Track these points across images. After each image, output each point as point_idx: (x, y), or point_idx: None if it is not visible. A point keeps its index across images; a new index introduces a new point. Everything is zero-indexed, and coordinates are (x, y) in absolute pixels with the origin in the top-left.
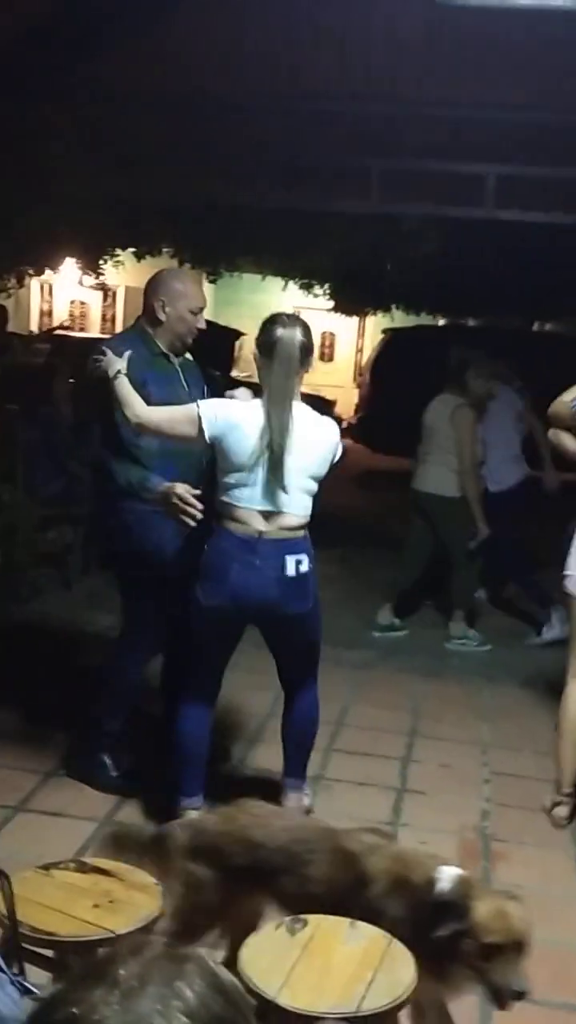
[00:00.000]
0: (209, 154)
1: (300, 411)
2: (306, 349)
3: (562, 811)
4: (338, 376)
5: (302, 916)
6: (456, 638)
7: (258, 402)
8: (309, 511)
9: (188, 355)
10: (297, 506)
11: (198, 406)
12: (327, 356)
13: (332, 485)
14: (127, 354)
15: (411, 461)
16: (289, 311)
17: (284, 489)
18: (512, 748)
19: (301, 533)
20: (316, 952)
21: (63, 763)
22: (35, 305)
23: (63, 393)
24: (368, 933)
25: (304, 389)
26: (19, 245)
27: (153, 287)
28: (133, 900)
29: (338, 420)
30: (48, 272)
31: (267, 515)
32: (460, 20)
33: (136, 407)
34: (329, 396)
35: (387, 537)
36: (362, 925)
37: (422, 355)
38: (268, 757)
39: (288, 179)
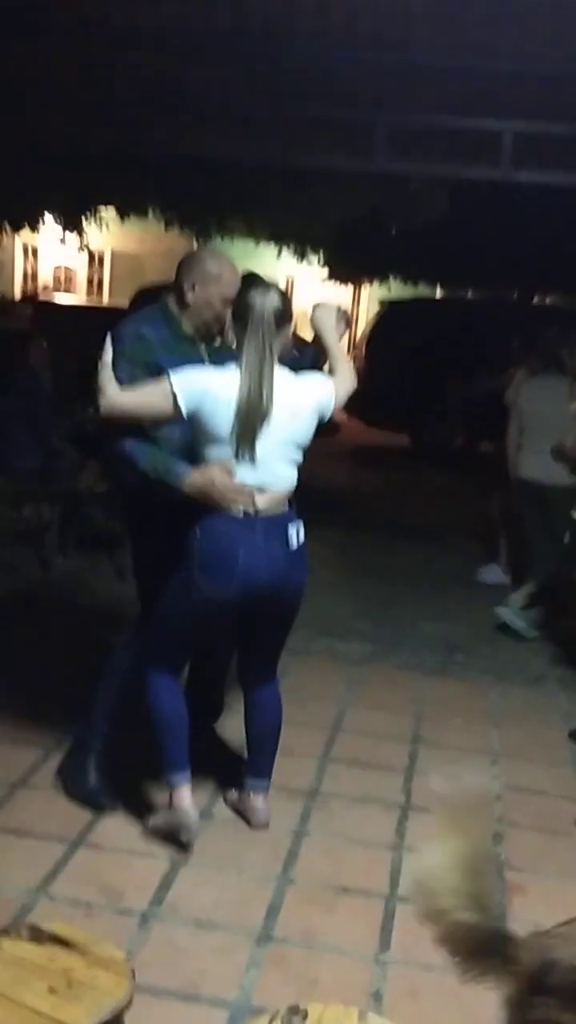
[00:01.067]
0: (196, 102)
1: (280, 377)
2: (281, 315)
3: None
4: None
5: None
6: (512, 608)
7: (236, 371)
8: (295, 481)
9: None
10: (284, 478)
11: (170, 379)
12: None
13: (325, 462)
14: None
15: (513, 449)
16: (274, 279)
17: (267, 462)
18: (524, 758)
19: (289, 504)
20: None
21: (31, 771)
22: (19, 269)
23: (41, 361)
24: None
25: None
26: None
27: (186, 266)
28: (96, 982)
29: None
30: (32, 233)
31: (258, 490)
32: None
33: (107, 392)
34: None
35: (383, 516)
36: (373, 1017)
37: (419, 328)
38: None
39: (283, 133)
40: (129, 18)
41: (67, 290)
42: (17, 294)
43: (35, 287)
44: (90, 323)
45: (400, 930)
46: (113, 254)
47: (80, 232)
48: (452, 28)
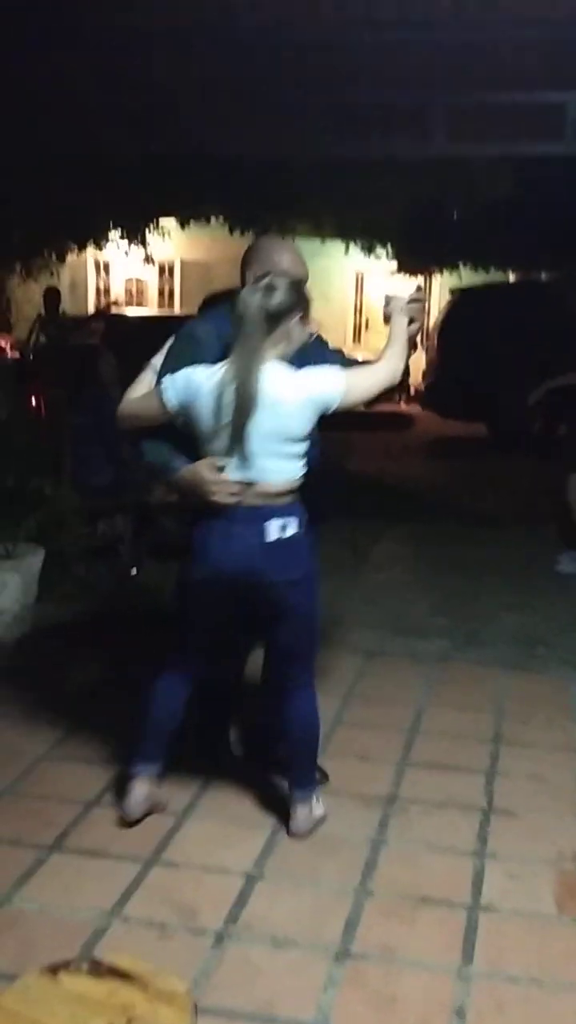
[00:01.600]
0: (246, 100)
1: (270, 372)
2: (268, 313)
3: None
4: None
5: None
6: None
7: (223, 367)
8: (294, 476)
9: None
10: (275, 472)
11: (159, 378)
12: None
13: (400, 456)
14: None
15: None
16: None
17: (254, 456)
18: None
19: (286, 499)
20: None
21: (105, 789)
22: (91, 284)
23: (110, 376)
24: None
25: (368, 355)
26: (52, 218)
27: (249, 258)
28: (157, 1018)
29: (406, 386)
30: (100, 249)
31: (243, 483)
32: None
33: (125, 397)
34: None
35: (461, 511)
36: None
37: (493, 315)
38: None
39: (337, 123)
40: (171, 22)
41: (139, 303)
42: (91, 310)
43: (108, 302)
44: (160, 333)
45: (484, 941)
46: (182, 263)
47: (144, 244)
48: (500, 3)
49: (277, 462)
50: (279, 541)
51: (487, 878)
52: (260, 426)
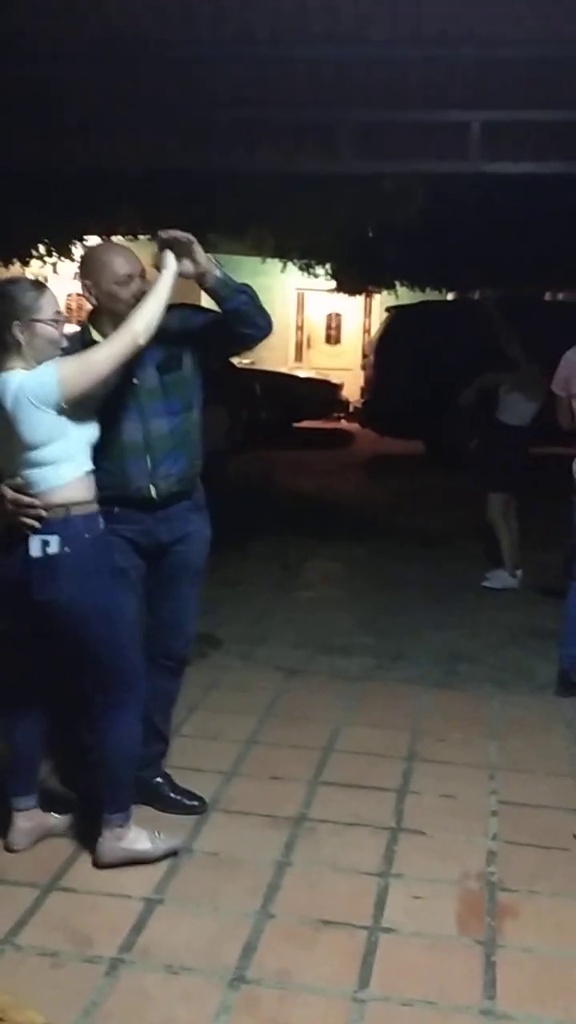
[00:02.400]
0: (152, 115)
1: (5, 384)
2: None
3: None
4: (345, 359)
5: None
6: None
7: None
8: (57, 482)
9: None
10: (33, 481)
11: None
12: (333, 338)
13: (337, 473)
14: None
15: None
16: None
17: (15, 468)
18: (523, 770)
19: (56, 515)
20: None
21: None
22: None
23: None
24: None
25: (310, 373)
26: None
27: (80, 272)
28: None
29: (344, 404)
30: (26, 265)
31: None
32: None
33: None
34: (336, 379)
35: (395, 528)
36: None
37: (428, 333)
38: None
39: (247, 139)
40: (81, 35)
41: (79, 319)
42: None
43: None
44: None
45: (382, 964)
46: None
47: (72, 259)
48: (410, 18)
49: (32, 472)
50: (40, 559)
51: (390, 899)
52: (7, 438)
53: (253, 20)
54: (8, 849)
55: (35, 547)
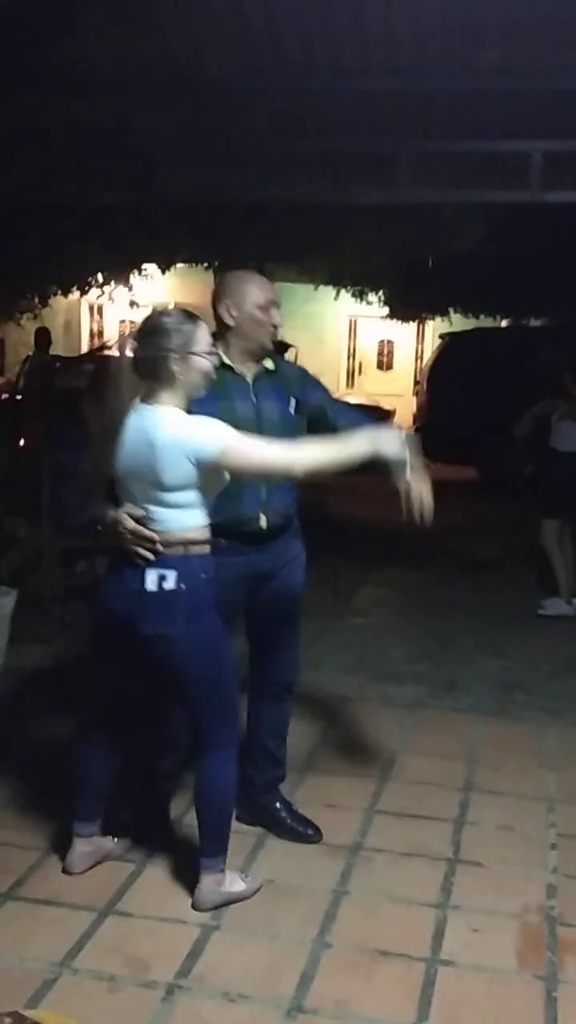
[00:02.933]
0: (212, 147)
1: (156, 419)
2: (137, 360)
3: None
4: (398, 385)
5: None
6: None
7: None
8: (186, 526)
9: (272, 363)
10: (160, 521)
11: None
12: (385, 364)
13: (389, 501)
14: None
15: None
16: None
17: (138, 502)
18: None
19: (175, 551)
20: None
21: (63, 837)
22: (85, 327)
23: (95, 415)
24: None
25: (361, 399)
26: (31, 263)
27: (217, 294)
28: None
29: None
30: (84, 294)
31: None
32: None
33: None
34: (388, 406)
35: (447, 555)
36: None
37: (482, 360)
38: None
39: (307, 169)
40: (143, 69)
41: None
42: (83, 351)
43: (100, 343)
44: None
45: (441, 996)
46: (176, 306)
47: (129, 288)
48: (469, 49)
49: (158, 510)
50: (155, 593)
51: (449, 931)
52: (134, 472)
53: (314, 52)
54: (66, 872)
55: (151, 581)
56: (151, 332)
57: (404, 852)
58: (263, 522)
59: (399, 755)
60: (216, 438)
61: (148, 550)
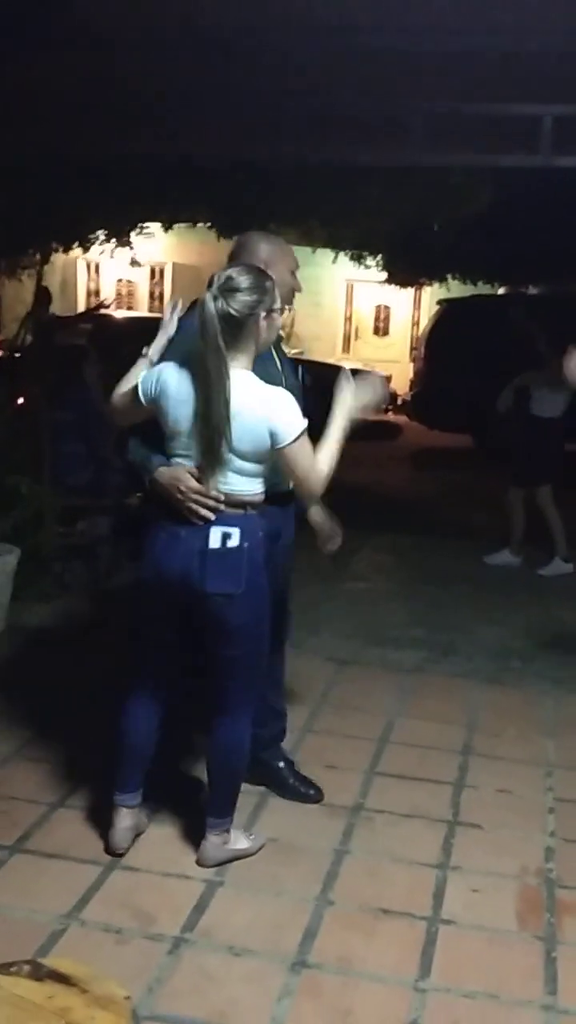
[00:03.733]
0: (220, 105)
1: (238, 383)
2: (228, 318)
3: None
4: (394, 351)
5: None
6: None
7: (189, 372)
8: (248, 491)
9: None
10: (228, 484)
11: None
12: (382, 330)
13: (385, 466)
14: (161, 338)
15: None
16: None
17: (212, 463)
18: None
19: (235, 510)
20: None
21: (70, 792)
22: (82, 285)
23: (94, 376)
24: None
25: (357, 364)
26: (33, 219)
27: (241, 252)
28: (94, 1023)
29: (392, 396)
30: (86, 251)
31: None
32: None
33: (114, 393)
34: (383, 372)
35: (444, 521)
36: None
37: (479, 327)
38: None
39: (314, 130)
40: (149, 25)
41: (129, 305)
42: (81, 310)
43: (97, 302)
44: (148, 335)
45: (442, 955)
46: (174, 266)
47: (130, 246)
48: (483, 9)
49: (232, 475)
50: (219, 551)
51: (449, 891)
52: (225, 438)
53: (323, 12)
54: (111, 852)
55: (215, 539)
56: (240, 289)
57: (404, 813)
58: (290, 483)
59: (398, 718)
60: (294, 425)
61: (211, 509)
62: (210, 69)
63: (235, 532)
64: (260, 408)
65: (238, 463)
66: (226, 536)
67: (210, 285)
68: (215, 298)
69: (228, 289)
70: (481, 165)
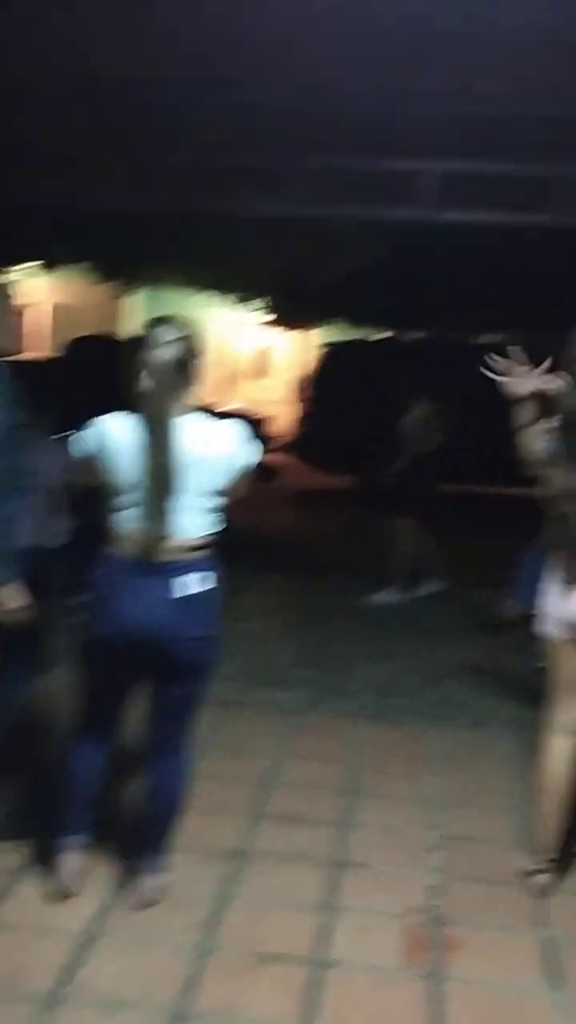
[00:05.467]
0: (101, 152)
1: (188, 425)
2: (182, 365)
3: (541, 879)
4: (275, 392)
5: None
6: None
7: (133, 418)
8: (208, 530)
9: None
10: (191, 527)
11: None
12: (263, 371)
13: (268, 507)
14: None
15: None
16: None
17: (171, 511)
18: (464, 804)
19: (197, 554)
20: None
21: None
22: None
23: None
24: None
25: (238, 405)
26: None
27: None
28: None
29: (272, 438)
30: None
31: (156, 538)
32: None
33: None
34: (266, 412)
35: (326, 560)
36: None
37: (361, 370)
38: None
39: (194, 181)
40: (36, 74)
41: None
42: None
43: None
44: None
45: (327, 997)
46: (54, 307)
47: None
48: (372, 71)
49: (195, 516)
50: (187, 597)
51: (336, 932)
52: (183, 482)
53: (209, 67)
54: (63, 895)
55: (180, 589)
56: (179, 340)
57: (288, 856)
58: None
59: (283, 759)
60: (240, 447)
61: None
62: (96, 119)
63: (198, 579)
64: (218, 448)
65: (207, 502)
66: (194, 581)
67: None
68: (169, 344)
69: (186, 339)
70: (362, 217)
